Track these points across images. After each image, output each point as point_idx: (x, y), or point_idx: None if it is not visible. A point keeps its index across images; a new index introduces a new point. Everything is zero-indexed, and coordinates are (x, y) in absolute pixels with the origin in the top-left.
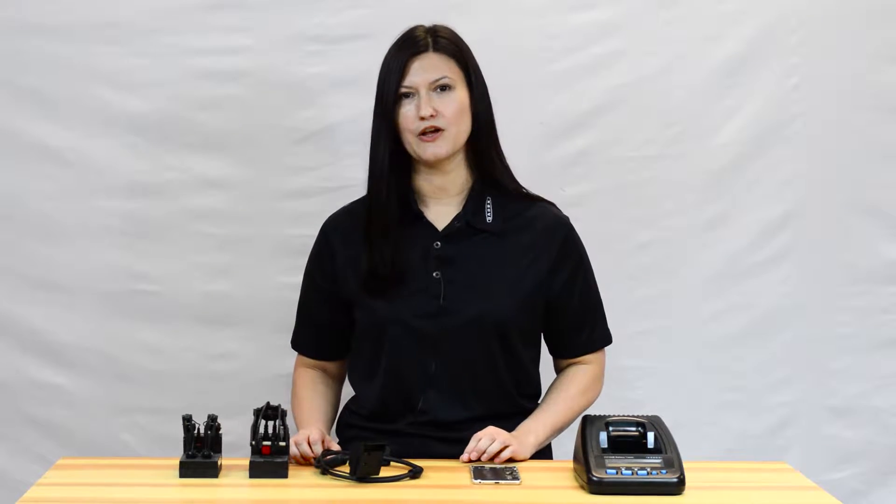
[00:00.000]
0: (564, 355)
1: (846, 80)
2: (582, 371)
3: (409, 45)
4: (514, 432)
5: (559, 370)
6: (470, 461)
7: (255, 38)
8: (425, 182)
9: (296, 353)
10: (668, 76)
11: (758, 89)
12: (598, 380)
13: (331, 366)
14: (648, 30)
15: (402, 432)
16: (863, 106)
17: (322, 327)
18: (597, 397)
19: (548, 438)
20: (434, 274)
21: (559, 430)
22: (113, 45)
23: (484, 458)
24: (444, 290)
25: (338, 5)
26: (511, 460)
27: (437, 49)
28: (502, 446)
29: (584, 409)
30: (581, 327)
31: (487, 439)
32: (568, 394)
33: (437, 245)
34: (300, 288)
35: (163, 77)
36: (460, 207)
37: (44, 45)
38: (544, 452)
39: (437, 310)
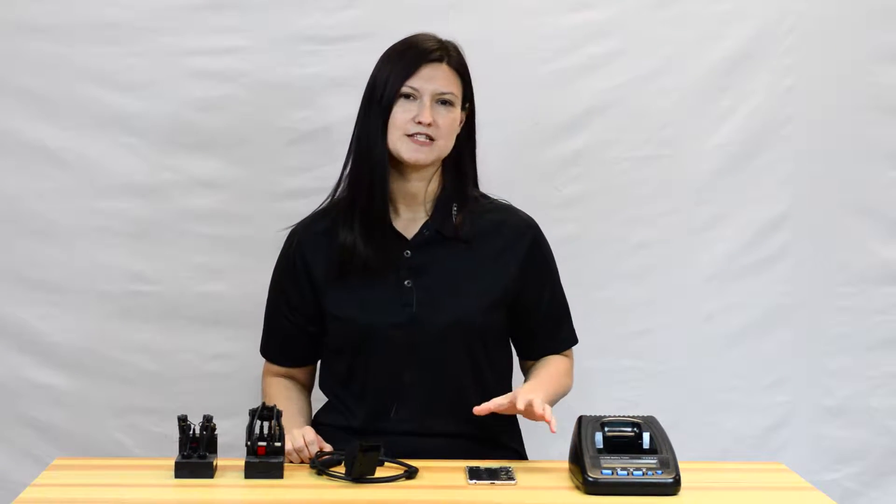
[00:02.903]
0: (532, 356)
1: (841, 80)
2: (559, 359)
3: (423, 51)
4: (523, 389)
5: (527, 371)
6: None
7: (251, 38)
8: (398, 188)
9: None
10: (664, 77)
11: (753, 90)
12: (572, 371)
13: (299, 373)
14: (643, 30)
15: (380, 432)
16: (857, 106)
17: (291, 336)
18: (570, 388)
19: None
20: (405, 283)
21: (551, 403)
22: (110, 46)
23: (524, 406)
24: (416, 299)
25: (333, 6)
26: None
27: (450, 63)
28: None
29: (565, 394)
30: (549, 329)
31: (540, 399)
32: (553, 372)
33: (407, 254)
34: (267, 296)
35: (159, 77)
36: (428, 215)
37: (41, 45)
38: (520, 454)
39: (409, 319)
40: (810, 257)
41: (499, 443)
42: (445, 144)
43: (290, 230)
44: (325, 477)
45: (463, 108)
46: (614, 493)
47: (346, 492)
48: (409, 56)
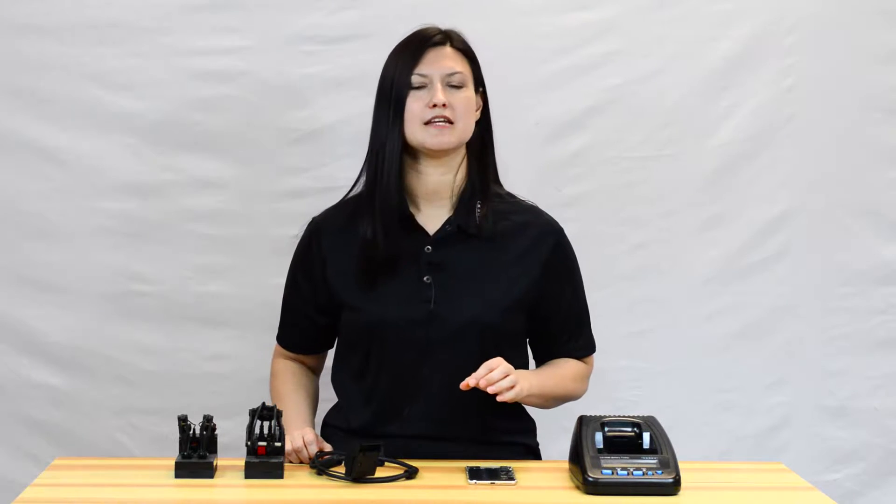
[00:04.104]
0: (549, 359)
1: (841, 80)
2: (576, 363)
3: (424, 38)
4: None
5: None
6: (469, 386)
7: (251, 38)
8: (419, 182)
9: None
10: (664, 77)
11: (753, 90)
12: (587, 379)
13: (309, 359)
14: (644, 30)
15: (392, 435)
16: (857, 107)
17: (303, 325)
18: (582, 394)
19: (537, 397)
20: (425, 279)
21: (546, 398)
22: (110, 46)
23: (490, 389)
24: (435, 295)
25: (334, 6)
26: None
27: (454, 46)
28: (511, 384)
29: (571, 397)
30: (567, 335)
31: (500, 372)
32: (563, 372)
33: (427, 249)
34: (284, 284)
35: (159, 78)
36: (451, 211)
37: (41, 45)
38: (534, 452)
39: (427, 315)
40: (811, 258)
41: (508, 443)
42: (465, 126)
43: (309, 221)
44: (325, 477)
45: (476, 91)
46: (614, 493)
47: (346, 492)
48: (412, 46)
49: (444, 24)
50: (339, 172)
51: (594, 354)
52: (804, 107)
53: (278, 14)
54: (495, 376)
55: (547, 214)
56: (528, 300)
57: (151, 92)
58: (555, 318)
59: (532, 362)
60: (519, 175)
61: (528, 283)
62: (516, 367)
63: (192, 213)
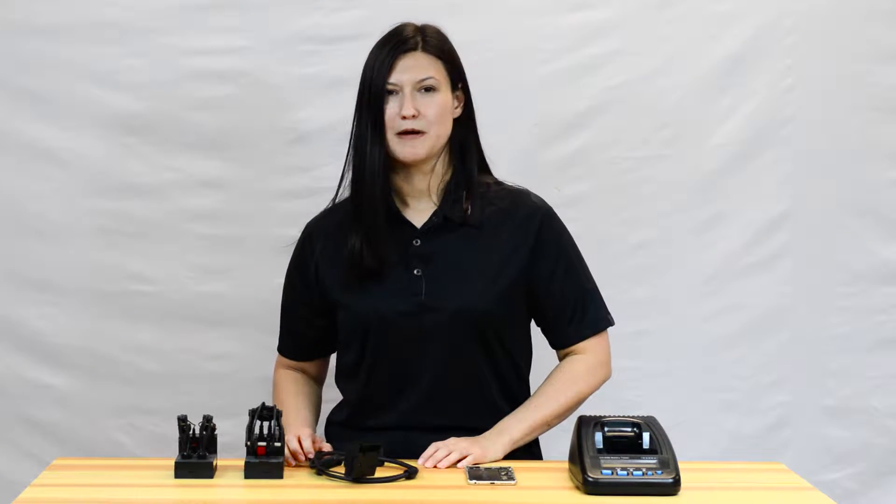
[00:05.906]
0: (559, 345)
1: (840, 80)
2: (575, 361)
3: (398, 43)
4: (486, 433)
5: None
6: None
7: (250, 38)
8: (405, 182)
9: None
10: (664, 77)
11: (753, 90)
12: (597, 368)
13: (310, 367)
14: (644, 30)
15: (388, 427)
16: (857, 106)
17: (302, 330)
18: (600, 382)
19: (528, 436)
20: (415, 271)
21: (545, 426)
22: (108, 46)
23: (441, 465)
24: (425, 287)
25: (333, 6)
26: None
27: (426, 49)
28: (459, 457)
29: (580, 399)
30: (571, 314)
31: (444, 451)
32: (556, 388)
33: (416, 242)
34: (282, 291)
35: (158, 77)
36: (437, 203)
37: (40, 45)
38: (534, 453)
39: (418, 307)
40: (810, 257)
41: None
42: (438, 132)
43: (305, 225)
44: (325, 477)
45: (455, 89)
46: (614, 493)
47: (346, 492)
48: (384, 52)
49: (444, 28)
50: (338, 172)
51: (609, 329)
52: (804, 107)
53: (278, 14)
54: (439, 456)
55: (535, 196)
56: (519, 284)
57: (152, 92)
58: (551, 299)
59: (532, 365)
60: (519, 175)
61: (518, 267)
62: (518, 353)
63: (192, 213)
